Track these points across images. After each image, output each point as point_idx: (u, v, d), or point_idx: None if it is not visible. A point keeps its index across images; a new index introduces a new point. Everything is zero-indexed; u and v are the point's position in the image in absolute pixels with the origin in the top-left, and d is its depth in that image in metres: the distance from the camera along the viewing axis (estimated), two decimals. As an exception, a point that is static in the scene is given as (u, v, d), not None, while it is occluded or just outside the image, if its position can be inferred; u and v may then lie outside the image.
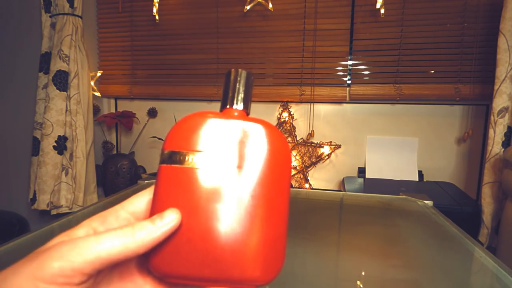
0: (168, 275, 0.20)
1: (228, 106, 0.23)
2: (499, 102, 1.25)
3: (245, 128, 0.22)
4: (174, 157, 0.21)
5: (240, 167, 0.20)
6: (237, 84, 0.23)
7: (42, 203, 1.57)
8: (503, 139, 1.26)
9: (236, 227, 0.20)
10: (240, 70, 0.24)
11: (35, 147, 1.66)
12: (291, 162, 0.23)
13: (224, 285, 0.19)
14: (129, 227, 0.19)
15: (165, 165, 0.21)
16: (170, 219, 0.19)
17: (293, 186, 1.68)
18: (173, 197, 0.20)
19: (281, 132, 0.23)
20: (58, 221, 0.56)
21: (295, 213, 0.66)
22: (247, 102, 0.23)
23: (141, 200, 0.22)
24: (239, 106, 0.23)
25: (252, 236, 0.20)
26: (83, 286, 0.18)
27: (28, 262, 0.17)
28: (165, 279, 0.20)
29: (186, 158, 0.21)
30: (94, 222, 0.21)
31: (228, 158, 0.21)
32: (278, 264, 0.21)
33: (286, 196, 0.21)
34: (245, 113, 0.23)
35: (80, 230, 0.20)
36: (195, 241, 0.19)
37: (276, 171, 0.21)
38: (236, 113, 0.23)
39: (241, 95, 0.23)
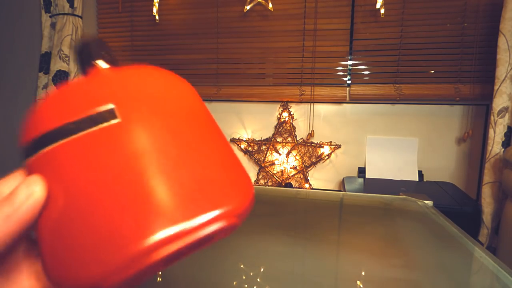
0: (94, 282, 0.14)
1: (89, 67, 0.19)
2: (499, 102, 1.25)
3: (118, 76, 0.17)
4: (41, 141, 0.16)
5: (138, 111, 0.16)
6: (88, 47, 0.19)
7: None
8: (503, 139, 1.26)
9: (159, 179, 0.15)
10: (82, 39, 0.20)
11: (35, 147, 1.65)
12: (194, 90, 0.19)
13: (198, 244, 0.15)
14: None
15: (32, 157, 0.16)
16: (25, 200, 0.15)
17: (293, 186, 1.68)
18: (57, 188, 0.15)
19: (167, 71, 0.19)
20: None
21: (295, 213, 0.66)
22: (112, 57, 0.19)
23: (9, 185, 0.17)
24: (102, 62, 0.19)
25: (197, 175, 0.15)
26: None
27: None
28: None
29: (56, 134, 0.16)
30: None
31: (115, 109, 0.16)
32: (242, 184, 0.17)
33: (209, 124, 0.18)
34: (114, 67, 0.19)
35: None
36: (115, 212, 0.14)
37: (183, 105, 0.18)
38: (103, 69, 0.19)
39: (99, 52, 0.19)
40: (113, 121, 0.15)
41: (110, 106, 0.16)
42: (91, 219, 0.14)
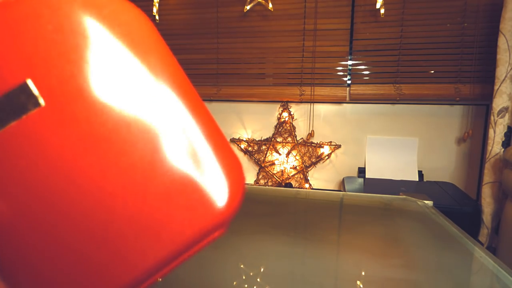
0: None
1: None
2: (499, 102, 1.25)
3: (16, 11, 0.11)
4: None
5: (67, 84, 0.11)
6: None
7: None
8: (503, 139, 1.26)
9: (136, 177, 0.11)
10: None
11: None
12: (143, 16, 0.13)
13: (184, 253, 0.12)
14: None
15: None
16: None
17: (293, 186, 1.68)
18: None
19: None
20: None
21: (295, 213, 0.66)
22: None
23: None
24: None
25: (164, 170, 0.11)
26: None
27: None
28: None
29: None
30: None
31: (31, 87, 0.11)
32: (235, 179, 0.12)
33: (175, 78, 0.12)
34: None
35: None
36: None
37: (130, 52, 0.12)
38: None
39: None
40: (34, 108, 0.11)
41: (23, 82, 0.10)
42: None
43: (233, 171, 0.12)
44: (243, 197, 0.13)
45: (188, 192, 0.11)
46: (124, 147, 0.11)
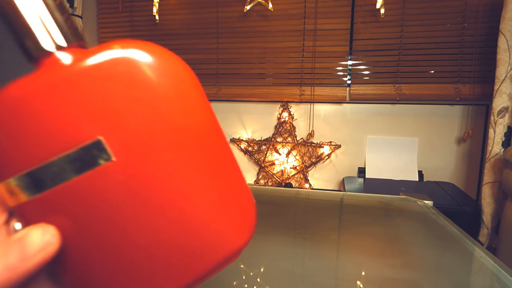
0: None
1: (42, 54, 0.13)
2: (499, 102, 1.25)
3: (94, 77, 0.12)
4: (35, 186, 0.13)
5: (133, 141, 0.13)
6: (46, 10, 0.13)
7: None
8: (503, 139, 1.26)
9: (170, 211, 0.14)
10: None
11: (35, 147, 1.66)
12: (197, 83, 0.16)
13: (203, 277, 0.15)
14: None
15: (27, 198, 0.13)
16: (42, 250, 0.13)
17: (293, 186, 1.68)
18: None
19: (166, 49, 0.15)
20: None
21: (295, 213, 0.66)
22: (74, 32, 0.14)
23: None
24: (61, 42, 0.13)
25: (196, 208, 0.14)
26: None
27: None
28: None
29: (35, 180, 0.12)
30: None
31: (104, 143, 0.13)
32: (248, 217, 0.16)
33: (213, 137, 0.15)
34: (80, 48, 0.14)
35: None
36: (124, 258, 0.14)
37: (184, 117, 0.14)
38: (65, 58, 0.13)
39: (55, 26, 0.13)
40: (106, 162, 0.12)
41: (97, 137, 0.12)
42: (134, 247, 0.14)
43: (244, 215, 0.16)
44: (253, 231, 0.16)
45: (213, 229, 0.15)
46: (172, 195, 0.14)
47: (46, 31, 0.12)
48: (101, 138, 0.12)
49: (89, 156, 0.12)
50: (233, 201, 0.15)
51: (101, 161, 0.12)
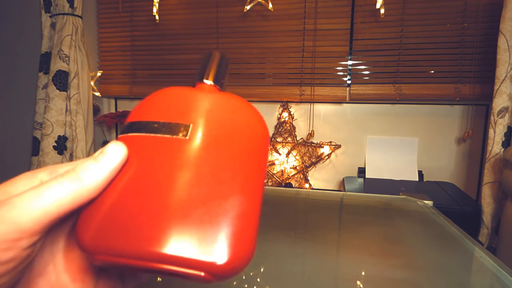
0: (101, 251, 0.16)
1: (199, 81, 0.23)
2: (499, 102, 1.25)
3: (211, 99, 0.21)
4: (132, 127, 0.20)
5: (204, 137, 0.19)
6: (210, 61, 0.24)
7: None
8: (503, 139, 1.26)
9: (195, 200, 0.17)
10: (213, 50, 0.24)
11: (35, 147, 1.66)
12: (266, 137, 0.21)
13: (175, 268, 0.15)
14: (71, 172, 0.16)
15: (122, 135, 0.20)
16: (113, 153, 0.17)
17: (293, 186, 1.68)
18: (127, 164, 0.18)
19: (256, 109, 0.23)
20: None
21: (295, 213, 0.66)
22: (219, 78, 0.23)
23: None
24: (210, 81, 0.23)
25: (213, 213, 0.17)
26: (31, 250, 0.15)
27: None
28: (95, 256, 0.16)
29: (143, 126, 0.19)
30: (41, 173, 0.17)
31: (190, 128, 0.19)
32: (245, 254, 0.17)
33: (255, 170, 0.19)
34: (217, 88, 0.23)
35: (20, 183, 0.17)
36: (143, 210, 0.16)
37: (245, 145, 0.19)
38: (207, 87, 0.23)
39: (212, 71, 0.23)
40: (182, 137, 0.19)
41: (189, 124, 0.19)
42: (157, 209, 0.17)
43: (240, 250, 0.17)
44: (241, 268, 0.17)
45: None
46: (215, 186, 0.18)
47: (209, 73, 0.23)
48: (191, 124, 0.19)
49: (177, 129, 0.19)
50: (240, 225, 0.17)
51: (180, 135, 0.19)
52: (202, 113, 0.20)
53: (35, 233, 0.15)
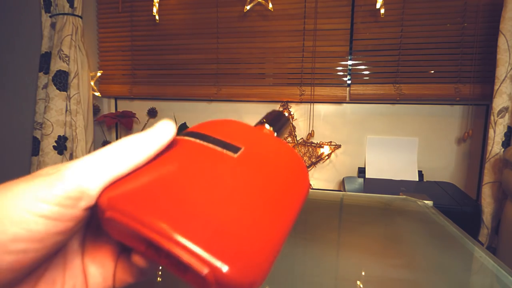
0: (115, 208, 0.16)
1: (260, 124, 0.26)
2: (499, 102, 1.25)
3: (267, 139, 0.23)
4: (188, 133, 0.22)
5: (251, 161, 0.20)
6: (275, 114, 0.28)
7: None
8: (503, 139, 1.26)
9: (227, 205, 0.17)
10: (284, 113, 0.28)
11: (35, 147, 1.66)
12: (307, 187, 0.24)
13: (178, 251, 0.15)
14: (125, 140, 0.18)
15: (179, 137, 0.22)
16: (164, 127, 0.20)
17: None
18: (174, 156, 0.20)
19: (301, 159, 0.24)
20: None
21: (295, 213, 0.66)
22: (279, 127, 0.27)
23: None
24: (270, 125, 0.26)
25: (240, 225, 0.17)
26: (78, 221, 0.16)
27: (26, 181, 0.15)
28: (108, 212, 0.16)
29: (199, 135, 0.22)
30: None
31: (240, 150, 0.21)
32: (255, 277, 0.16)
33: (288, 212, 0.20)
34: (274, 133, 0.26)
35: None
36: (173, 192, 0.17)
37: (285, 182, 0.21)
38: (265, 129, 0.26)
39: (275, 119, 0.27)
40: (231, 154, 0.21)
41: (241, 147, 0.21)
42: (189, 195, 0.17)
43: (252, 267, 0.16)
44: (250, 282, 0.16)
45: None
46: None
47: (271, 120, 0.27)
48: (242, 148, 0.21)
49: (229, 147, 0.21)
50: (264, 244, 0.17)
51: (229, 152, 0.21)
52: (255, 144, 0.22)
53: (93, 197, 0.16)
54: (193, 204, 0.16)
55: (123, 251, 0.21)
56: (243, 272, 0.15)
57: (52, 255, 0.18)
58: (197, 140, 0.21)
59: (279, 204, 0.20)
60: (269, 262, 0.17)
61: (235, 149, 0.21)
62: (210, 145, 0.21)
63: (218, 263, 0.14)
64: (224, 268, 0.14)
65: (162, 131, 0.19)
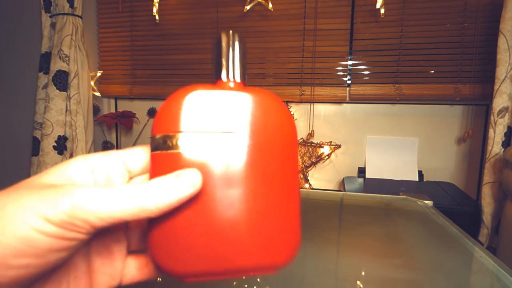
0: (186, 275, 0.18)
1: (222, 78, 0.21)
2: (499, 102, 1.25)
3: (243, 100, 0.20)
4: (165, 142, 0.18)
5: (240, 144, 0.19)
6: (231, 50, 0.21)
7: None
8: (503, 139, 1.26)
9: (242, 210, 0.18)
10: (232, 32, 0.21)
11: (35, 147, 1.66)
12: (296, 134, 0.21)
13: (243, 274, 0.18)
14: (146, 185, 0.17)
15: (156, 152, 0.19)
16: (193, 179, 0.17)
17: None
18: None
19: (284, 103, 0.21)
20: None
21: (295, 213, 0.66)
22: (244, 72, 0.21)
23: (138, 158, 0.21)
24: (235, 77, 0.21)
25: (260, 218, 0.18)
26: (82, 241, 0.16)
27: (33, 194, 0.15)
28: (183, 279, 0.18)
29: (176, 141, 0.18)
30: (92, 157, 0.19)
31: (225, 136, 0.19)
32: (292, 244, 0.20)
33: (293, 170, 0.20)
34: (243, 84, 0.21)
35: (75, 165, 0.18)
36: (202, 231, 0.18)
37: (281, 146, 0.20)
38: (232, 85, 0.21)
39: (236, 64, 0.21)
40: (229, 145, 0.19)
41: (232, 133, 0.19)
42: (212, 227, 0.18)
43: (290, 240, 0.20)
44: (292, 258, 0.20)
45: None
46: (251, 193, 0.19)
47: (232, 71, 0.21)
48: (235, 133, 0.19)
49: (222, 139, 0.19)
50: (286, 222, 0.20)
51: (226, 144, 0.19)
52: (243, 119, 0.19)
53: (94, 227, 0.16)
54: (230, 231, 0.18)
55: (133, 249, 0.21)
56: (289, 251, 0.20)
57: (56, 268, 0.17)
58: (185, 152, 0.18)
59: (290, 177, 0.20)
60: (298, 228, 0.21)
61: (229, 138, 0.19)
62: (204, 149, 0.19)
63: (274, 263, 0.19)
64: (281, 263, 0.19)
65: (190, 185, 0.17)
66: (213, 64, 0.21)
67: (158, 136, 0.19)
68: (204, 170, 0.18)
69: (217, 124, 0.19)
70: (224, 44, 0.20)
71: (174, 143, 0.18)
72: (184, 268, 0.18)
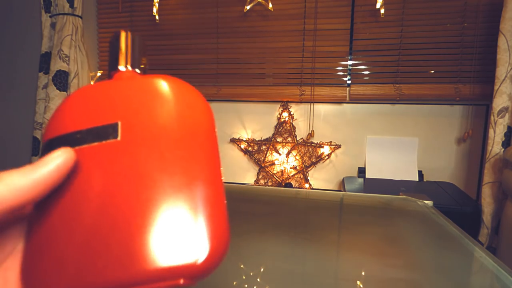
0: None
1: (113, 70, 0.20)
2: (499, 102, 1.25)
3: (134, 87, 0.18)
4: (51, 145, 0.17)
5: (139, 132, 0.17)
6: (120, 44, 0.20)
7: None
8: (503, 139, 1.26)
9: (150, 205, 0.15)
10: (120, 31, 0.21)
11: (35, 147, 1.66)
12: (205, 118, 0.18)
13: (155, 285, 0.14)
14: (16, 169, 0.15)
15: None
16: (58, 154, 0.16)
17: (293, 186, 1.68)
18: (50, 200, 0.16)
19: (190, 88, 0.19)
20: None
21: (295, 213, 0.66)
22: (137, 61, 0.20)
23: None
24: (126, 66, 0.20)
25: (173, 212, 0.15)
26: None
27: None
28: None
29: (65, 141, 0.17)
30: None
31: (119, 127, 0.17)
32: (221, 245, 0.16)
33: (209, 156, 0.17)
34: (138, 73, 0.20)
35: None
36: (79, 242, 0.15)
37: (178, 133, 0.17)
38: (125, 75, 0.20)
39: (127, 54, 0.20)
40: (112, 140, 0.17)
41: (117, 121, 0.17)
42: (94, 236, 0.15)
43: (217, 238, 0.16)
44: (218, 263, 0.16)
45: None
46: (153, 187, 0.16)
47: (124, 59, 0.20)
48: (119, 122, 0.17)
49: (106, 133, 0.17)
50: (213, 211, 0.16)
51: (110, 138, 0.17)
52: (129, 105, 0.17)
53: None
54: (122, 233, 0.15)
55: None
56: (212, 249, 0.15)
57: None
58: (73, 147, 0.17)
59: (197, 159, 0.17)
60: (223, 221, 0.16)
61: (113, 131, 0.17)
62: (85, 146, 0.17)
63: (189, 263, 0.15)
64: (199, 261, 0.15)
65: (54, 158, 0.16)
66: (108, 61, 0.21)
67: (44, 141, 0.18)
68: (82, 167, 0.16)
69: (97, 117, 0.17)
70: (114, 38, 0.21)
71: (57, 143, 0.17)
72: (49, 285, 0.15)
